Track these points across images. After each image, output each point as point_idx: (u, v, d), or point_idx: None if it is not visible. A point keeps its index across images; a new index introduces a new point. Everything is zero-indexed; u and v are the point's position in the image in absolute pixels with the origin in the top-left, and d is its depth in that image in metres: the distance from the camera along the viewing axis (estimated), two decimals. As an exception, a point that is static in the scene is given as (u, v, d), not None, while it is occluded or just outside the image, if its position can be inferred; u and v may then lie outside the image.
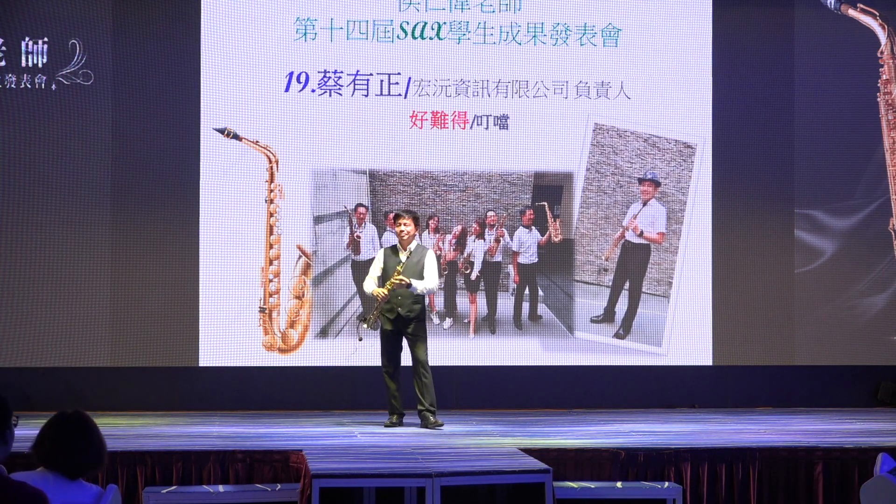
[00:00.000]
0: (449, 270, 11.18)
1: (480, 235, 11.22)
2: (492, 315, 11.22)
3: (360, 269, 10.54)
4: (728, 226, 11.39)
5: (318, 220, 11.07)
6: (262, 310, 10.98)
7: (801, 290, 11.45)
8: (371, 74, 11.08)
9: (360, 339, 10.26)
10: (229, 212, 10.94)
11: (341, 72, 11.06)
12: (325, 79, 11.04)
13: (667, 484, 7.56)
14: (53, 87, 10.79)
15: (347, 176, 11.09)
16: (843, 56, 11.47)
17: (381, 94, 11.09)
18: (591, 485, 7.49)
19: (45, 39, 10.79)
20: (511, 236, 11.24)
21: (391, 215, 9.82)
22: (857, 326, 11.50)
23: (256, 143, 10.97)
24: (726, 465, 7.82)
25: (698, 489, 7.79)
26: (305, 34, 11.01)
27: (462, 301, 11.21)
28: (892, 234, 11.55)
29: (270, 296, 10.98)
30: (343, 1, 11.04)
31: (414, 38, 11.11)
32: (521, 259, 11.25)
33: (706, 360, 11.34)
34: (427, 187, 11.15)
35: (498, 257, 11.24)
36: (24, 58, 10.76)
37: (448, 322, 11.18)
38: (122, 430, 9.06)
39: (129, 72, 10.89)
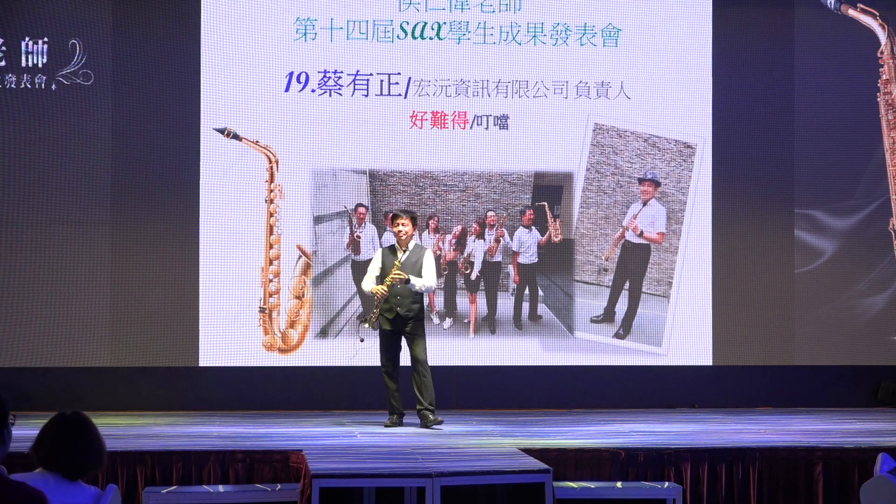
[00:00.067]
0: (449, 270, 11.18)
1: (480, 235, 11.22)
2: (492, 315, 11.23)
3: (360, 269, 10.53)
4: (728, 226, 11.39)
5: (318, 220, 11.07)
6: (262, 310, 10.98)
7: (801, 290, 11.45)
8: (371, 74, 11.08)
9: (362, 341, 10.27)
10: (229, 212, 10.94)
11: (341, 72, 11.06)
12: (325, 79, 11.04)
13: (667, 484, 7.56)
14: (53, 87, 10.79)
15: (347, 176, 11.09)
16: (843, 56, 11.47)
17: (381, 94, 11.09)
18: (591, 485, 7.49)
19: (45, 39, 10.79)
20: (511, 236, 11.24)
21: (389, 215, 9.82)
22: (857, 326, 11.50)
23: (256, 143, 10.97)
24: (726, 465, 7.82)
25: (698, 489, 7.79)
26: (305, 34, 11.02)
27: (462, 301, 11.21)
28: (892, 234, 11.55)
29: (270, 296, 10.99)
30: (343, 1, 11.04)
31: (414, 38, 11.11)
32: (521, 259, 11.25)
33: (706, 360, 11.34)
34: (427, 187, 11.15)
35: (498, 257, 11.24)
36: (24, 58, 10.77)
37: (448, 322, 11.18)
38: (122, 430, 9.06)
39: (129, 72, 10.89)
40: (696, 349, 11.33)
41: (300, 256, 11.03)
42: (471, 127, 11.16)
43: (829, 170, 11.48)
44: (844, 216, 11.52)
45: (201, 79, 10.92)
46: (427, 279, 9.36)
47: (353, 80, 11.06)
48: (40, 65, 10.78)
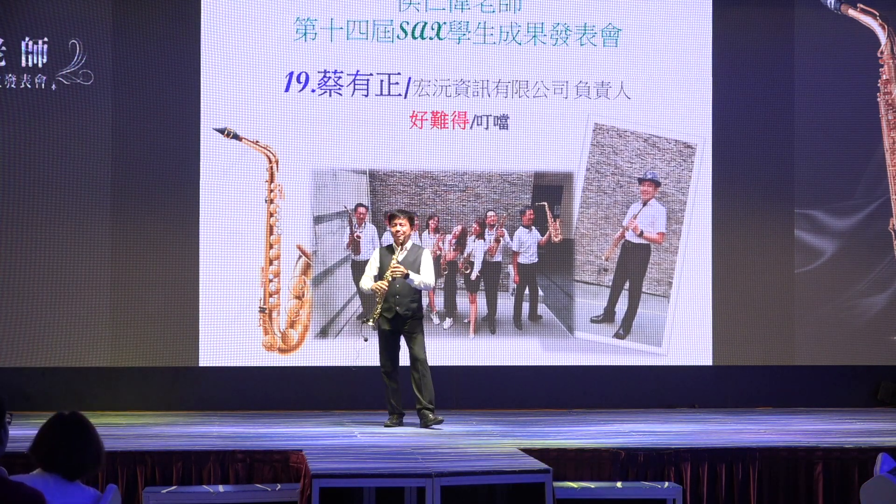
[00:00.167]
0: (449, 270, 11.18)
1: (480, 235, 11.22)
2: (492, 315, 11.22)
3: (360, 269, 10.52)
4: (728, 226, 11.39)
5: (318, 220, 11.07)
6: (262, 310, 10.98)
7: (801, 290, 11.45)
8: (371, 74, 11.08)
9: (366, 340, 10.27)
10: (229, 212, 10.94)
11: (341, 72, 11.06)
12: (325, 79, 11.04)
13: (667, 484, 7.56)
14: (53, 87, 10.79)
15: (347, 176, 11.09)
16: (843, 56, 11.47)
17: (381, 94, 11.09)
18: (591, 485, 7.49)
19: (45, 39, 10.79)
20: (511, 236, 11.24)
21: (387, 215, 9.82)
22: (857, 326, 11.50)
23: (256, 143, 10.97)
24: (726, 465, 7.82)
25: (698, 489, 7.79)
26: (305, 34, 11.02)
27: (462, 301, 11.21)
28: (892, 234, 11.55)
29: (270, 296, 10.99)
30: (343, 1, 11.04)
31: (414, 38, 11.11)
32: (521, 259, 11.25)
33: (706, 360, 11.34)
34: (427, 187, 11.15)
35: (498, 257, 11.24)
36: (24, 58, 10.76)
37: (448, 322, 11.18)
38: (122, 430, 9.06)
39: (129, 72, 10.89)
40: (695, 349, 11.33)
41: (300, 256, 11.03)
42: (471, 127, 11.16)
43: (829, 170, 11.48)
44: (844, 216, 11.52)
45: (201, 79, 10.92)
46: (426, 276, 9.38)
47: (353, 80, 11.06)
48: (40, 65, 10.78)
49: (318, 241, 11.07)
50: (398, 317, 9.38)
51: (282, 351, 11.01)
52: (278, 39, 10.99)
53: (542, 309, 11.24)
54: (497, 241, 11.23)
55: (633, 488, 7.51)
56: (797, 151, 11.44)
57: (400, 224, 9.42)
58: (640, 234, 11.32)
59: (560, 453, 7.78)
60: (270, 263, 11.00)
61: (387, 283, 9.32)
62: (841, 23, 11.48)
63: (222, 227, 10.93)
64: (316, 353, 11.03)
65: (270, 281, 10.98)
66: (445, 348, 10.91)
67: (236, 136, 10.94)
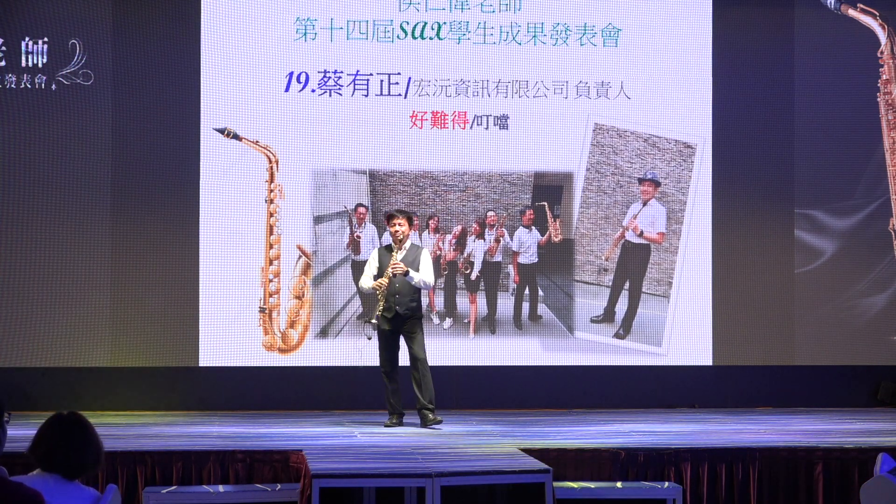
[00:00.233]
0: (449, 270, 11.18)
1: (480, 235, 11.22)
2: (492, 315, 11.23)
3: (360, 269, 10.51)
4: (728, 226, 11.39)
5: (318, 220, 11.07)
6: (262, 310, 10.98)
7: (801, 290, 11.45)
8: (371, 74, 11.08)
9: (369, 339, 10.26)
10: (229, 212, 10.94)
11: (341, 72, 11.06)
12: (325, 79, 11.05)
13: (667, 484, 7.56)
14: (53, 87, 10.79)
15: (347, 176, 11.09)
16: (843, 56, 11.47)
17: (381, 94, 11.09)
18: (591, 485, 7.49)
19: (45, 39, 10.79)
20: (511, 236, 11.24)
21: (386, 215, 9.82)
22: (857, 326, 11.50)
23: (256, 143, 10.97)
24: (726, 465, 7.82)
25: (698, 489, 7.79)
26: (305, 34, 11.02)
27: (462, 301, 11.21)
28: (892, 234, 11.55)
29: (270, 296, 10.99)
30: (343, 1, 11.04)
31: (414, 38, 11.11)
32: (521, 259, 11.25)
33: (706, 360, 11.34)
34: (427, 187, 11.15)
35: (498, 257, 11.24)
36: (24, 58, 10.77)
37: (448, 322, 11.18)
38: (122, 430, 9.06)
39: (129, 72, 10.89)
40: (695, 349, 11.33)
41: (300, 256, 11.04)
42: (471, 127, 11.16)
43: (829, 170, 11.48)
44: (844, 216, 11.52)
45: (201, 79, 10.92)
46: (425, 275, 9.38)
47: (353, 80, 11.06)
48: (40, 65, 10.79)
49: (318, 241, 11.07)
50: (398, 316, 9.38)
51: (282, 351, 11.01)
52: (278, 39, 11.00)
53: (542, 309, 11.24)
54: (497, 241, 11.23)
55: (633, 488, 7.51)
56: (797, 151, 11.45)
57: (399, 224, 9.42)
58: (640, 234, 11.32)
59: (560, 453, 7.77)
60: (270, 263, 11.00)
61: (387, 281, 9.32)
62: (841, 23, 11.48)
63: (222, 227, 10.93)
64: (316, 353, 11.03)
65: (270, 281, 10.98)
66: (445, 348, 10.92)
67: (236, 136, 10.94)
